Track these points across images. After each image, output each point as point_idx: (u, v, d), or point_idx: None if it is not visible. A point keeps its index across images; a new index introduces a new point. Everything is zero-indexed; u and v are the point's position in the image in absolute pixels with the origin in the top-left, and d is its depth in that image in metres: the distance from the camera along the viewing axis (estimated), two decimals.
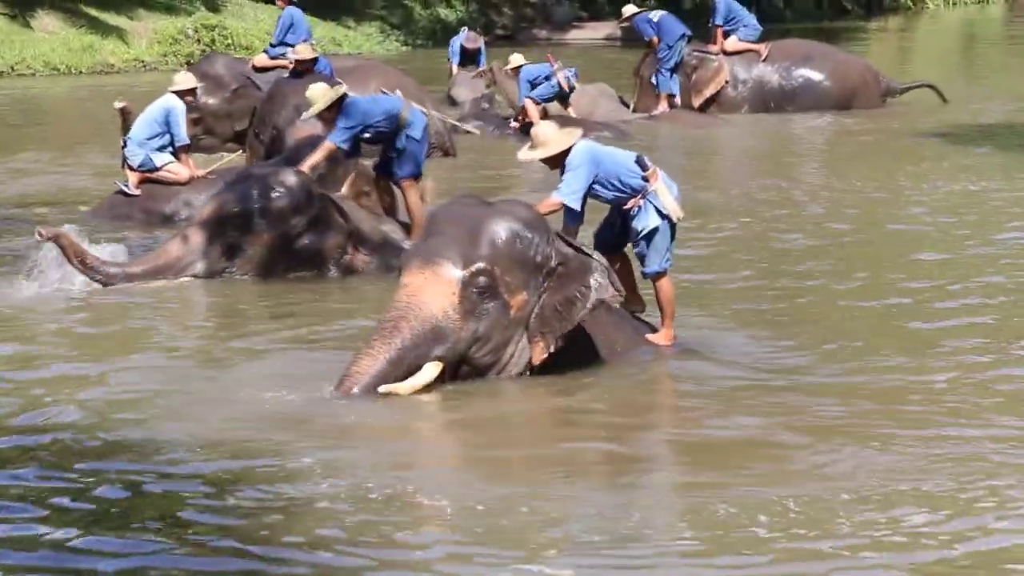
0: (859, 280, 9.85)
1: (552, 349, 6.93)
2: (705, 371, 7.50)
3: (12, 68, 25.97)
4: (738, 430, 6.60)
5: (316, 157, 9.85)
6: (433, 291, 6.76)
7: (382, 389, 6.64)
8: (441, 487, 5.94)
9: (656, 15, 18.30)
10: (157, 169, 12.00)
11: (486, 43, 21.94)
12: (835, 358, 7.84)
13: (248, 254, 9.69)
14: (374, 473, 5.96)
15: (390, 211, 10.24)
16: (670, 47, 17.94)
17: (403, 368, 6.76)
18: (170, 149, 12.04)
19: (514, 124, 16.91)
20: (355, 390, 6.70)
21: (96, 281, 9.39)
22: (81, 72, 26.31)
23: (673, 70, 18.01)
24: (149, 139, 11.95)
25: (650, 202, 7.47)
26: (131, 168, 12.03)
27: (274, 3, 16.86)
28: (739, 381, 7.34)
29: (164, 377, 7.39)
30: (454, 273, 6.78)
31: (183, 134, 12.00)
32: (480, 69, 20.00)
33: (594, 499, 5.75)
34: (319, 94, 10.01)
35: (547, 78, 16.72)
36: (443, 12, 34.88)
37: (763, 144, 17.16)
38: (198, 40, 27.59)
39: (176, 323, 8.98)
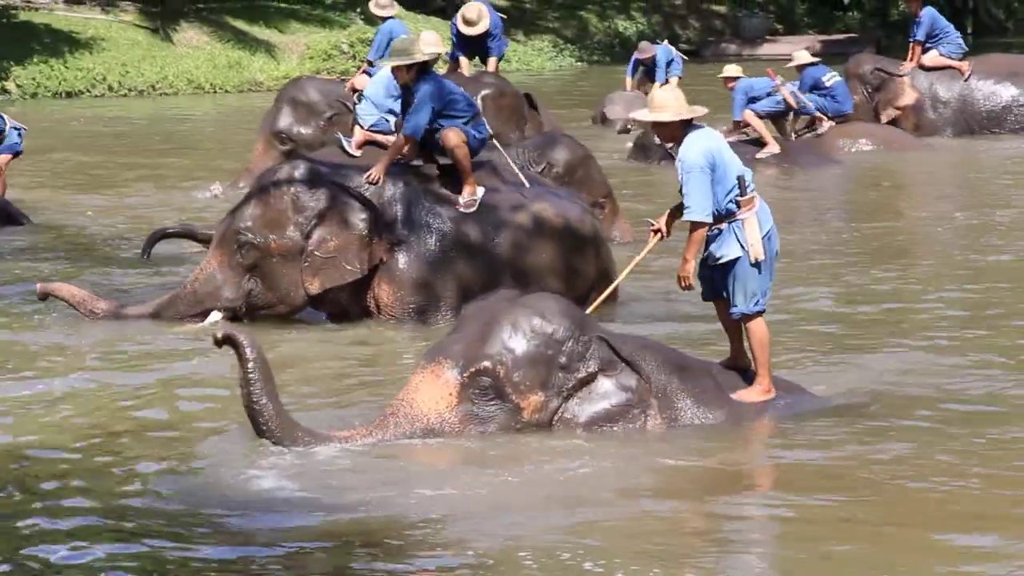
0: None
1: None
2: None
3: (153, 87, 24.84)
4: None
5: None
6: (428, 391, 6.70)
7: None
8: None
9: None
10: (388, 134, 11.51)
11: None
12: None
13: None
14: None
15: None
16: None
17: None
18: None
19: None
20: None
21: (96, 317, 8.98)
22: (227, 91, 25.18)
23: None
24: (387, 99, 11.67)
25: (733, 230, 7.06)
26: (360, 126, 11.79)
27: (444, 14, 14.65)
28: None
29: None
30: (451, 374, 6.68)
31: None
32: (657, 82, 19.11)
33: None
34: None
35: (769, 94, 15.96)
36: (622, 25, 33.46)
37: (966, 170, 16.27)
38: (353, 56, 25.95)
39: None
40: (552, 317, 6.71)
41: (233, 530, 5.69)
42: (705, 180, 6.98)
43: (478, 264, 9.12)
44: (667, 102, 7.16)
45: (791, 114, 16.30)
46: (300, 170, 9.06)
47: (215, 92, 24.95)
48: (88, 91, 23.84)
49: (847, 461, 6.43)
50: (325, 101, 13.80)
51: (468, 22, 14.15)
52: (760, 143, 15.75)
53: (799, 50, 17.56)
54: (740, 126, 15.89)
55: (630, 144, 16.54)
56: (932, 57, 17.74)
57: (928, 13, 17.86)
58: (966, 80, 17.80)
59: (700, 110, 7.23)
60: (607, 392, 6.72)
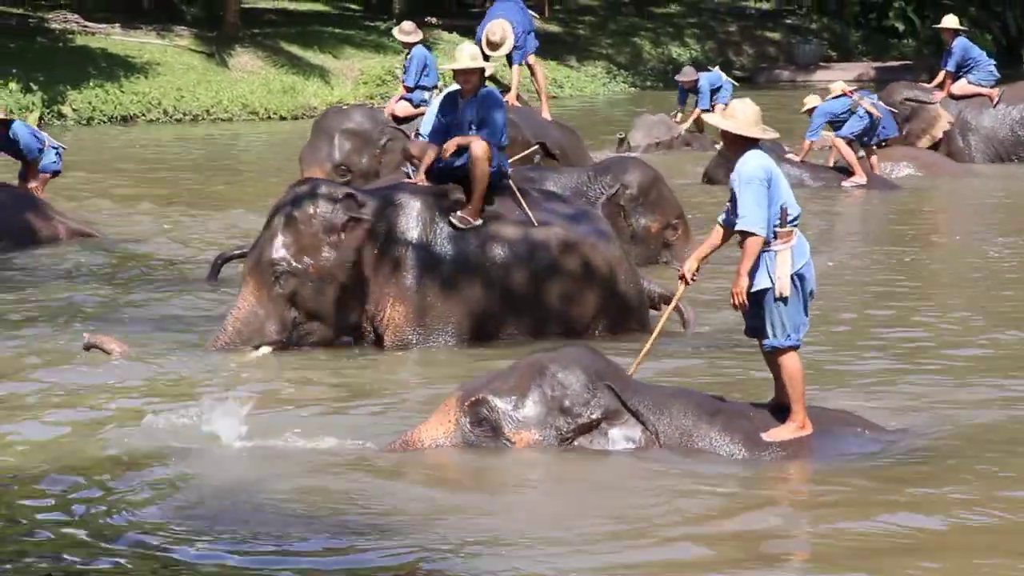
0: None
1: None
2: None
3: (208, 111, 24.73)
4: None
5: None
6: (434, 419, 6.92)
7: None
8: None
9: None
10: None
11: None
12: None
13: None
14: None
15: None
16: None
17: None
18: None
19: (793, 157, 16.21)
20: None
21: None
22: (281, 116, 25.08)
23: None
24: None
25: (765, 260, 6.85)
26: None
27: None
28: None
29: None
30: (454, 404, 6.87)
31: None
32: (692, 109, 19.60)
33: None
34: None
35: (850, 111, 15.87)
36: (675, 51, 33.30)
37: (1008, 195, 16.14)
38: None
39: None
40: (565, 362, 6.81)
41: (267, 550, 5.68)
42: (762, 192, 6.82)
43: (491, 288, 9.12)
44: (738, 114, 7.03)
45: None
46: (318, 190, 9.04)
47: (269, 117, 24.88)
48: (143, 115, 23.86)
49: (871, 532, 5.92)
50: (377, 128, 13.72)
51: (492, 45, 13.98)
52: (848, 171, 15.74)
53: (837, 82, 17.46)
54: (808, 150, 15.95)
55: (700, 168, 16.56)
56: (961, 86, 17.75)
57: (960, 43, 17.85)
58: (995, 107, 17.77)
59: (771, 133, 7.10)
60: (609, 441, 6.74)
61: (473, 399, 6.78)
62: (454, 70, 9.36)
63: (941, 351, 9.07)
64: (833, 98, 16.06)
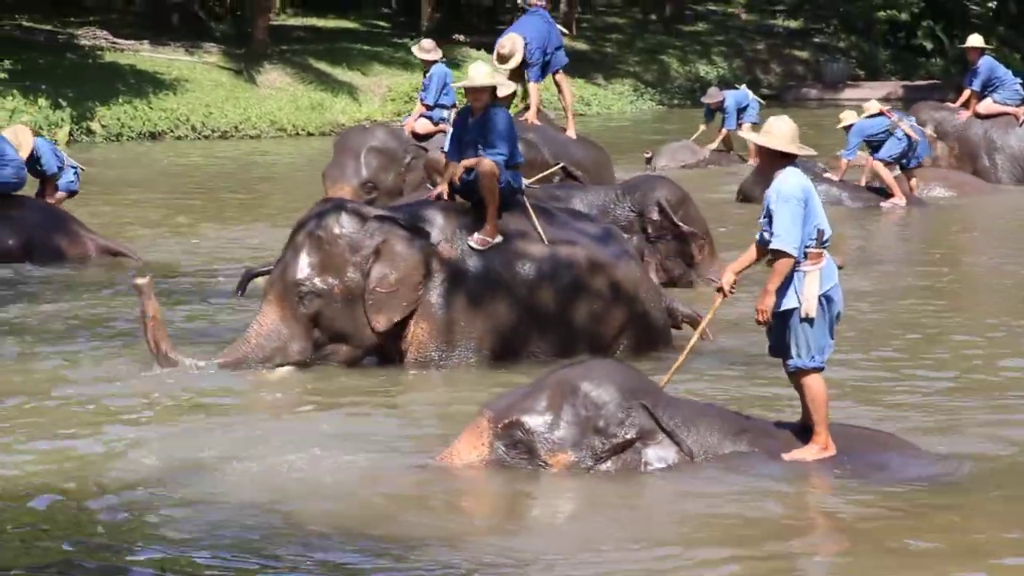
0: None
1: None
2: None
3: (236, 128, 24.75)
4: None
5: None
6: (465, 440, 6.87)
7: None
8: None
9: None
10: None
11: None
12: None
13: None
14: None
15: None
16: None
17: None
18: None
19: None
20: None
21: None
22: (309, 132, 25.10)
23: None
24: None
25: (794, 280, 6.83)
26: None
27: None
28: None
29: None
30: (486, 426, 6.81)
31: None
32: (718, 129, 19.63)
33: None
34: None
35: (888, 132, 15.72)
36: (703, 69, 33.26)
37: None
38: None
39: None
40: (597, 380, 6.76)
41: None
42: (799, 212, 6.77)
43: (512, 306, 9.09)
44: (775, 130, 6.99)
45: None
46: (344, 210, 9.00)
47: (297, 134, 24.90)
48: (171, 132, 23.89)
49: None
50: (402, 147, 13.73)
51: (501, 58, 13.89)
52: (886, 193, 15.69)
53: (872, 100, 17.43)
54: (846, 169, 15.86)
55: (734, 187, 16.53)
56: (986, 105, 17.64)
57: (986, 63, 17.80)
58: (1021, 126, 17.65)
59: (808, 150, 7.10)
60: (644, 461, 6.71)
61: (507, 421, 6.74)
62: (466, 88, 9.37)
63: (990, 368, 9.05)
64: (868, 117, 16.00)
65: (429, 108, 14.07)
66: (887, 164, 15.86)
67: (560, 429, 6.71)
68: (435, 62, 14.35)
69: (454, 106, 13.94)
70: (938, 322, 10.50)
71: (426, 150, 13.43)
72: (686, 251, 11.48)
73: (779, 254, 6.76)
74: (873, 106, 16.32)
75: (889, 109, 16.21)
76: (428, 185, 11.15)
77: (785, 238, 6.75)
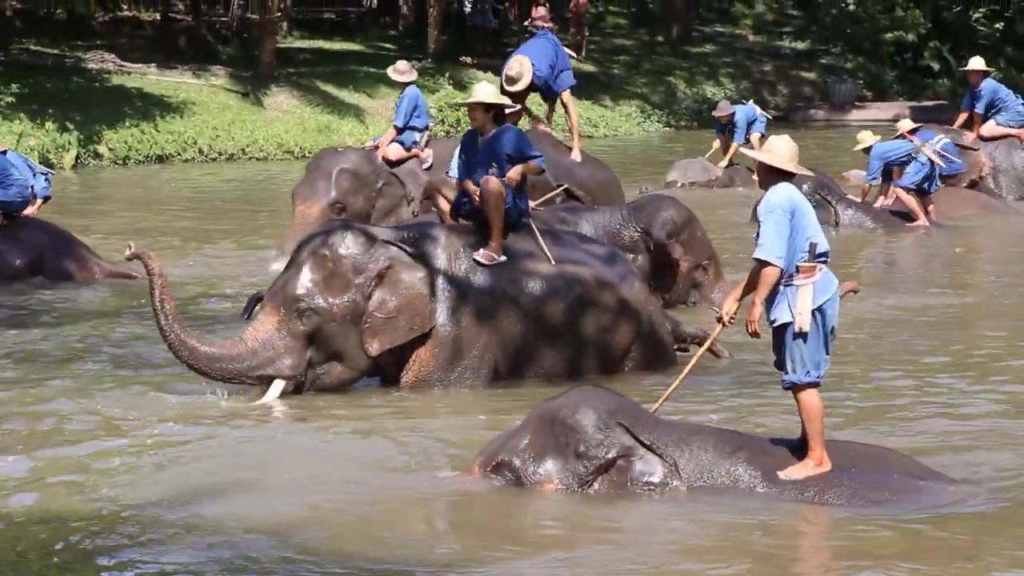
0: None
1: None
2: None
3: (243, 150, 24.81)
4: None
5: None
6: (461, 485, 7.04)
7: None
8: None
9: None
10: None
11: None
12: None
13: None
14: None
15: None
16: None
17: None
18: None
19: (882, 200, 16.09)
20: None
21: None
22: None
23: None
24: None
25: (787, 294, 6.82)
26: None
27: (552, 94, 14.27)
28: None
29: None
30: (479, 469, 7.01)
31: None
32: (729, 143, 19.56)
33: None
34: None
35: (912, 156, 15.64)
36: (710, 91, 33.27)
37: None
38: (442, 120, 25.77)
39: None
40: (574, 407, 6.89)
41: None
42: (784, 223, 6.77)
43: (515, 326, 9.09)
44: (775, 148, 7.03)
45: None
46: (352, 231, 8.98)
47: (304, 156, 24.78)
48: (179, 155, 23.93)
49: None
50: (374, 172, 13.64)
51: (509, 80, 13.78)
52: (909, 217, 15.62)
53: (904, 119, 17.42)
54: (867, 192, 15.83)
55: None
56: (989, 127, 17.64)
57: (988, 85, 17.79)
58: None
59: (805, 172, 7.11)
60: (630, 477, 6.78)
61: (494, 463, 6.93)
62: (468, 107, 9.39)
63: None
64: (896, 137, 15.88)
65: (399, 131, 13.90)
66: (908, 190, 15.77)
67: (545, 462, 6.87)
68: (409, 84, 14.19)
69: (427, 128, 13.94)
70: (959, 345, 10.44)
71: (397, 176, 13.50)
72: (688, 272, 11.43)
73: (763, 264, 6.76)
74: (906, 124, 16.29)
75: (910, 130, 16.02)
76: (433, 208, 11.13)
77: (767, 247, 6.76)
